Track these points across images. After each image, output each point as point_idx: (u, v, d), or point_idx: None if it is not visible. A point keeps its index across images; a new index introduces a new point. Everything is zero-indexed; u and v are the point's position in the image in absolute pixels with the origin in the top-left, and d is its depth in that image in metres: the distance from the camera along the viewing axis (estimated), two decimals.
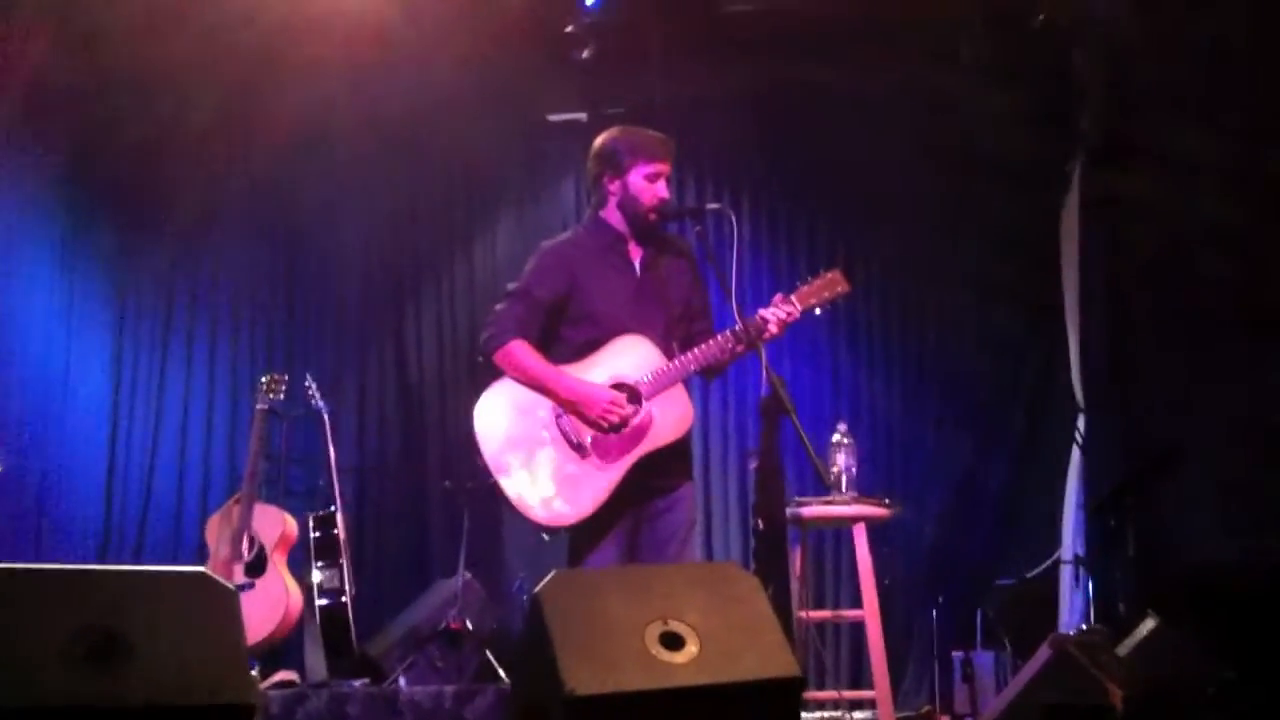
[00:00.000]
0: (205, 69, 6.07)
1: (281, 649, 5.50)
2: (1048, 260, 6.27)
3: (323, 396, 5.93)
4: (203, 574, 2.50)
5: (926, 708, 5.31)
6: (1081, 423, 6.05)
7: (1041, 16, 6.06)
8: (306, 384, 5.90)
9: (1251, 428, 5.17)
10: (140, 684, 2.27)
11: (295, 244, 7.00)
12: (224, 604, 2.46)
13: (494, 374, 3.86)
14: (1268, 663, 3.91)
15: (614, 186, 3.93)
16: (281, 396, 5.72)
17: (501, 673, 5.31)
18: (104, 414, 6.68)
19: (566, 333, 3.86)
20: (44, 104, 5.95)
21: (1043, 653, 3.53)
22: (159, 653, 2.31)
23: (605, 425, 3.68)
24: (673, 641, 2.60)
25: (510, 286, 3.91)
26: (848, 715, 4.70)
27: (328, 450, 5.84)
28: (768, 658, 2.67)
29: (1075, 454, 6.04)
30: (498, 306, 3.88)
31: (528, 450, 3.71)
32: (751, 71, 6.37)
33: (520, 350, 3.77)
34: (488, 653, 5.41)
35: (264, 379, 5.73)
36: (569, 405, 3.71)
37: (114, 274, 6.79)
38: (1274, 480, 5.04)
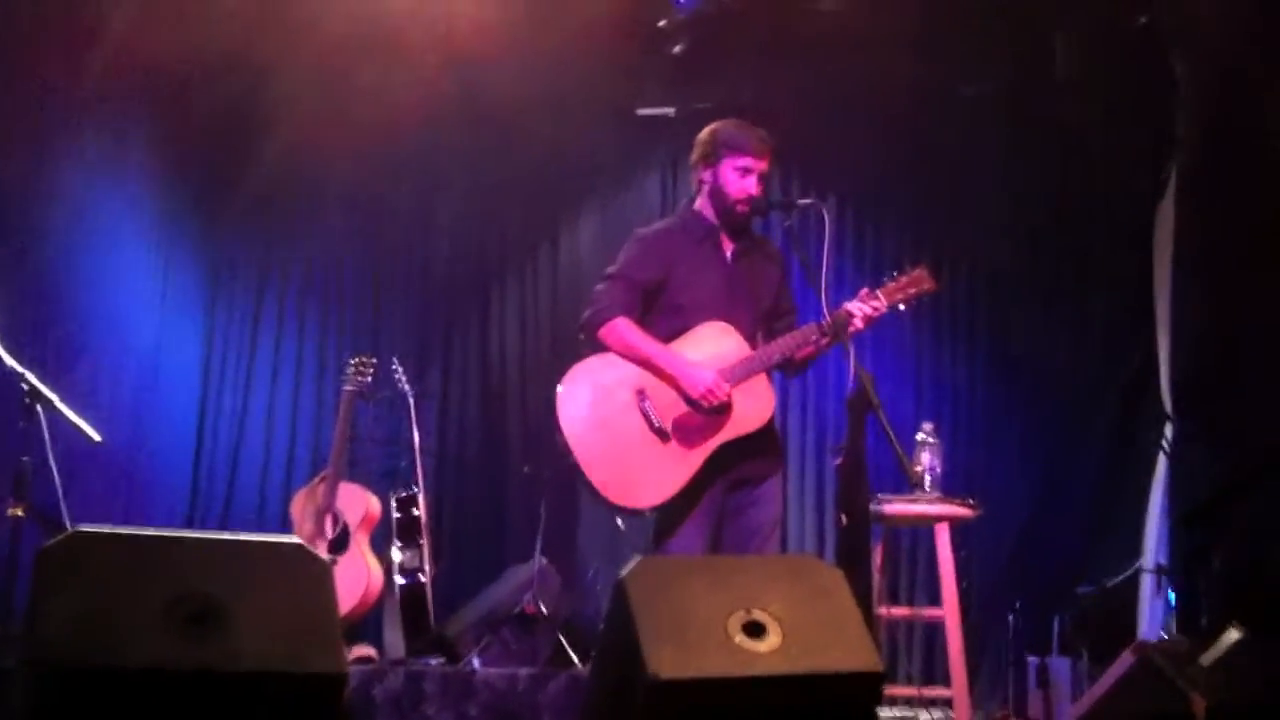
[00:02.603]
0: (304, 56, 6.17)
1: (361, 626, 5.59)
2: (1143, 262, 6.18)
3: (408, 381, 6.01)
4: (298, 544, 2.55)
5: (1000, 711, 5.27)
6: (1169, 430, 5.95)
7: (1144, 19, 5.96)
8: (394, 367, 5.98)
9: None
10: (235, 650, 2.31)
11: (384, 230, 7.10)
12: (317, 574, 2.50)
13: (581, 357, 3.91)
14: None
15: (706, 176, 3.99)
16: (369, 379, 5.79)
17: (575, 658, 5.35)
18: (194, 390, 6.83)
19: (656, 320, 3.91)
20: (134, 87, 6.07)
21: (1125, 659, 3.48)
22: (254, 620, 2.35)
23: (707, 406, 3.71)
24: (756, 630, 2.62)
25: (609, 270, 3.98)
26: (922, 714, 4.67)
27: (412, 433, 5.91)
28: (850, 650, 2.67)
29: (1161, 462, 5.95)
30: (598, 287, 3.94)
31: (609, 432, 3.76)
32: (843, 71, 6.35)
33: (625, 326, 3.84)
34: (562, 638, 5.45)
35: (352, 361, 5.81)
36: (672, 381, 3.75)
37: (207, 254, 6.93)
38: None
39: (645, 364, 3.81)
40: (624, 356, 3.84)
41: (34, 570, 2.27)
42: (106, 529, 2.38)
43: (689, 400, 3.74)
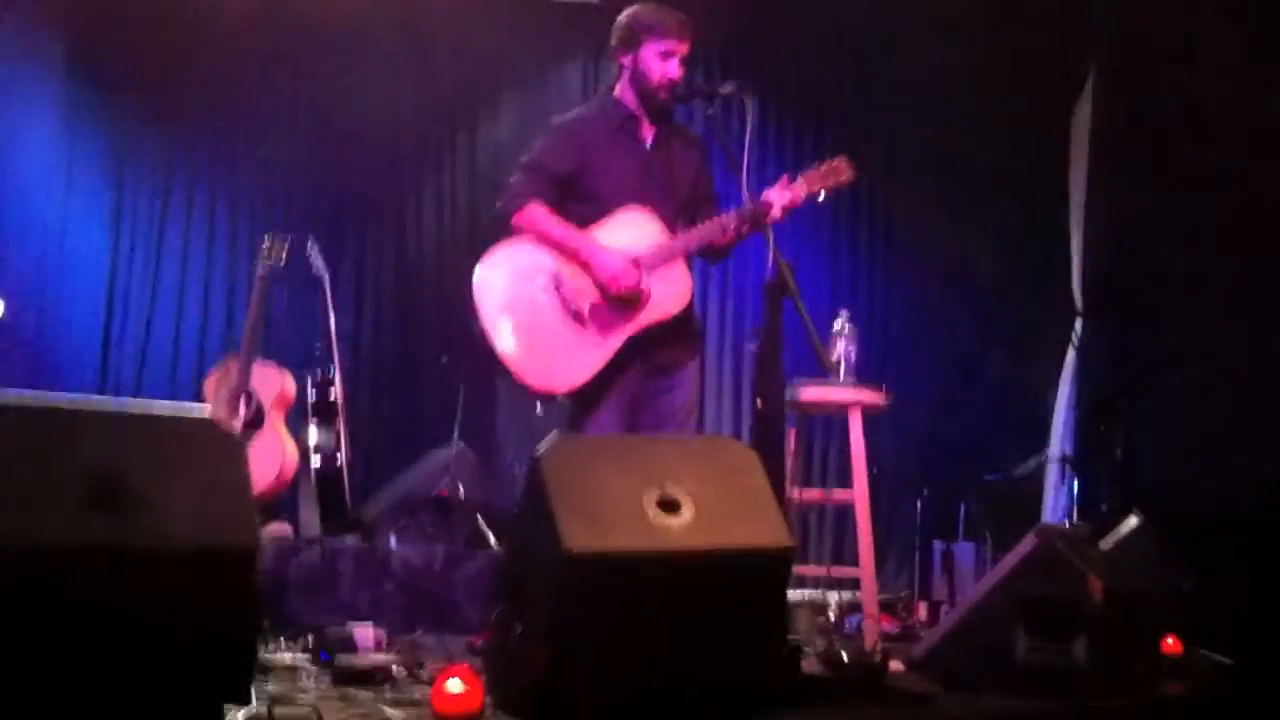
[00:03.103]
0: None
1: (276, 505, 5.55)
2: (1058, 160, 6.26)
3: (324, 262, 5.90)
4: (208, 419, 2.53)
5: (905, 592, 5.41)
6: (1079, 325, 6.09)
7: None
8: (308, 249, 5.86)
9: (1248, 343, 5.22)
10: (144, 524, 2.27)
11: (298, 113, 6.89)
12: (230, 448, 2.48)
13: (497, 243, 3.88)
14: (1223, 578, 4.02)
15: (626, 61, 3.94)
16: (283, 260, 5.67)
17: (491, 540, 5.38)
18: (102, 269, 6.63)
19: (573, 208, 3.89)
20: None
21: (1027, 542, 3.58)
22: (164, 493, 2.31)
23: (614, 291, 3.71)
24: (669, 507, 2.65)
25: (522, 159, 3.93)
26: (827, 594, 4.79)
27: (327, 315, 5.82)
28: (761, 527, 2.72)
29: (1070, 355, 6.09)
30: (512, 177, 3.89)
31: (525, 317, 3.75)
32: None
33: (539, 211, 3.82)
34: (479, 520, 5.47)
35: (266, 242, 5.68)
36: (584, 265, 3.74)
37: (115, 134, 6.69)
38: (1251, 403, 5.12)
39: (558, 248, 3.80)
40: (538, 241, 3.82)
41: None
42: (11, 399, 2.33)
43: (598, 284, 3.74)
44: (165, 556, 2.28)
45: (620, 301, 3.74)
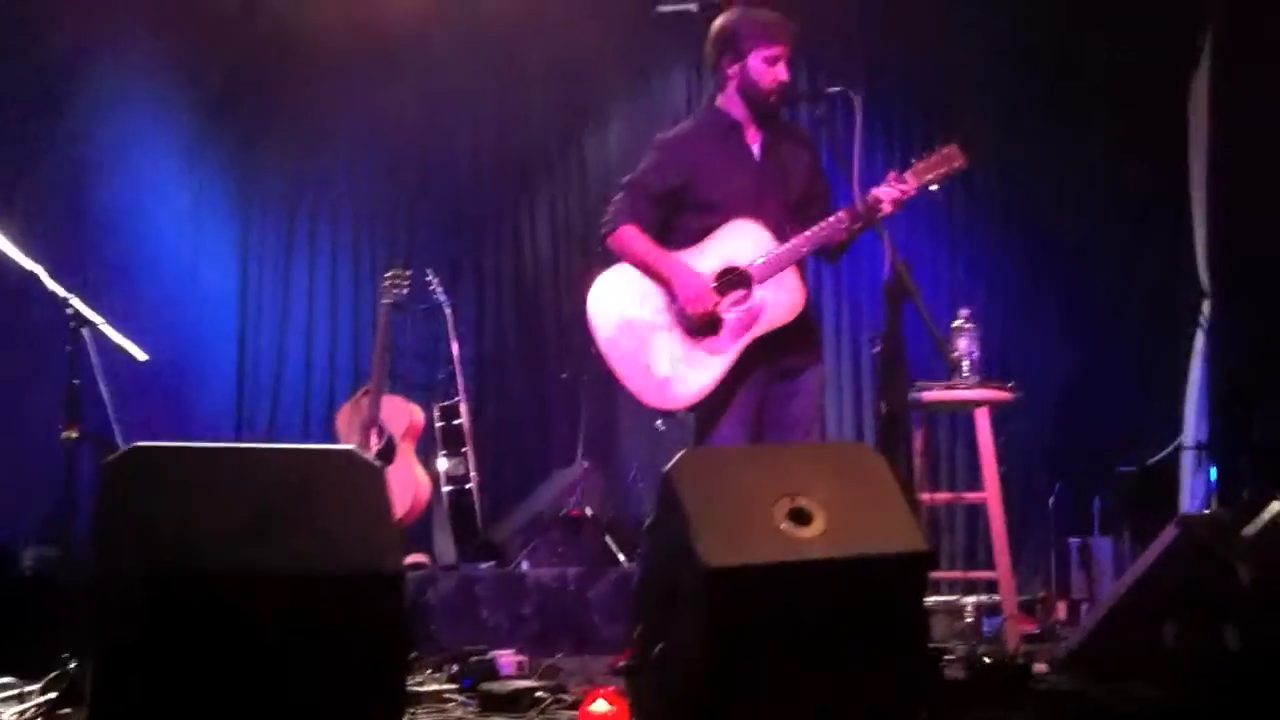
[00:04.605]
0: None
1: (411, 534, 5.67)
2: (1174, 138, 6.10)
3: (444, 291, 6.03)
4: (350, 451, 2.61)
5: (1044, 593, 5.32)
6: (1207, 308, 5.93)
7: None
8: (428, 278, 6.00)
9: None
10: (298, 553, 2.37)
11: (409, 142, 7.02)
12: (371, 479, 2.56)
13: (608, 264, 3.94)
14: None
15: (733, 71, 3.94)
16: (405, 291, 5.81)
17: (621, 557, 5.43)
18: (232, 309, 6.86)
19: (685, 221, 3.92)
20: (162, 11, 6.09)
21: (1168, 533, 3.51)
22: (316, 525, 2.41)
23: (691, 314, 3.74)
24: (801, 516, 2.66)
25: (625, 179, 3.98)
26: (963, 598, 4.73)
27: (450, 343, 5.95)
28: (896, 533, 2.72)
29: (1199, 339, 5.94)
30: (615, 196, 3.95)
31: (642, 334, 3.80)
32: None
33: (630, 234, 3.87)
34: (607, 538, 5.52)
35: (388, 274, 5.83)
36: (667, 286, 3.78)
37: (238, 173, 6.91)
38: None
39: (645, 270, 3.84)
40: (630, 263, 3.87)
41: (99, 486, 2.33)
42: (165, 444, 2.43)
43: (678, 308, 3.77)
44: (320, 583, 2.36)
45: (737, 313, 3.76)
